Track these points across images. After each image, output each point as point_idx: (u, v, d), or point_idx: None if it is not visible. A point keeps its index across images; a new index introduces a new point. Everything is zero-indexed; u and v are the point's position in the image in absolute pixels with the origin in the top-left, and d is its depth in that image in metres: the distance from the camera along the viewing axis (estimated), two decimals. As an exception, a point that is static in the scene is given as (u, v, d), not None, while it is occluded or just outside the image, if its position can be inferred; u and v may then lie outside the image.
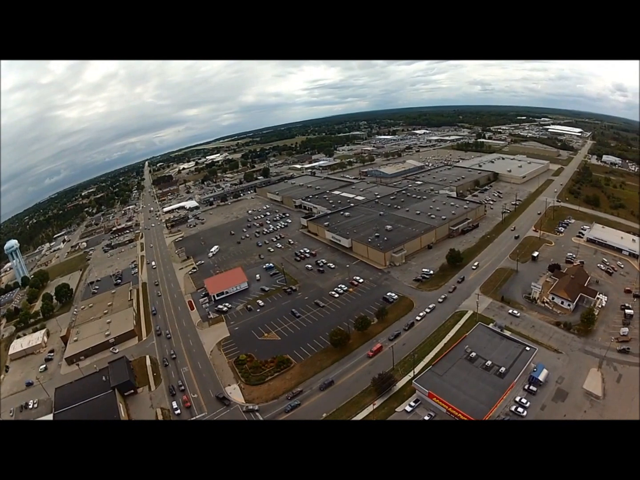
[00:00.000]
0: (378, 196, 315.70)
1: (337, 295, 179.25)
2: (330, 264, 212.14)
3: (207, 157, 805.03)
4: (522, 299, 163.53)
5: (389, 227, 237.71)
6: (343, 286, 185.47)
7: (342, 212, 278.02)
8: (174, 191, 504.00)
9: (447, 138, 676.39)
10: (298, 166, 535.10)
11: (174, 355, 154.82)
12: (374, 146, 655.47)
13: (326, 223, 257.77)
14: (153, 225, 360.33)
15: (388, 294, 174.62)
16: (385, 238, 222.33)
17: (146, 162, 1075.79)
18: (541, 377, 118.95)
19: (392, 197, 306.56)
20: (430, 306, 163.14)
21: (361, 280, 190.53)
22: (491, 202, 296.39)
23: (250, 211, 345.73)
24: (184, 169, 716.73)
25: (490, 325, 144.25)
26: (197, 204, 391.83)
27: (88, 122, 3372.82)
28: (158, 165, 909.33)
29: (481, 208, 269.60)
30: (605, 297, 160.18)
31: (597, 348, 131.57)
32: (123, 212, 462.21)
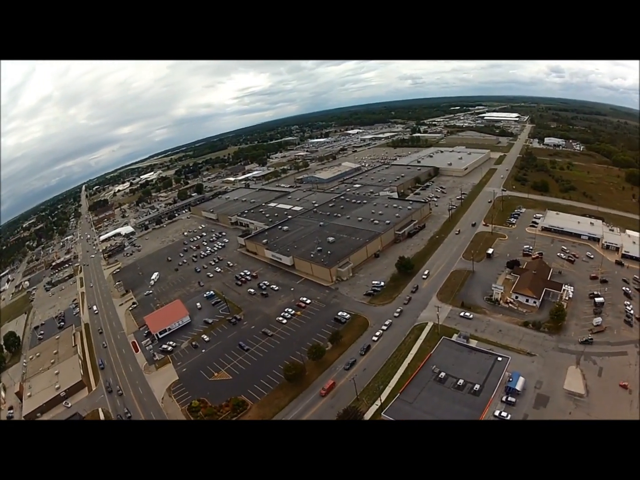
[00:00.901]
0: (316, 205, 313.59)
1: (284, 321, 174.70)
2: (274, 286, 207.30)
3: (141, 177, 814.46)
4: (483, 302, 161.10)
5: (331, 238, 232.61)
6: (290, 310, 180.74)
7: (280, 227, 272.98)
8: (109, 216, 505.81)
9: (381, 136, 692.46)
10: (232, 179, 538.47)
11: (127, 411, 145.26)
12: (307, 151, 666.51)
13: (264, 240, 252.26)
14: (92, 256, 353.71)
15: (339, 313, 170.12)
16: (329, 251, 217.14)
17: (83, 186, 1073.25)
18: (518, 386, 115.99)
19: (330, 205, 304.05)
20: (387, 323, 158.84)
21: (308, 301, 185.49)
22: (435, 199, 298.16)
23: (186, 233, 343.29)
24: (119, 190, 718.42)
25: (455, 337, 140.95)
26: (132, 229, 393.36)
27: (26, 149, 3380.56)
28: (94, 188, 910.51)
29: (426, 207, 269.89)
30: (572, 288, 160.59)
31: (571, 344, 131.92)
32: (62, 243, 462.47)
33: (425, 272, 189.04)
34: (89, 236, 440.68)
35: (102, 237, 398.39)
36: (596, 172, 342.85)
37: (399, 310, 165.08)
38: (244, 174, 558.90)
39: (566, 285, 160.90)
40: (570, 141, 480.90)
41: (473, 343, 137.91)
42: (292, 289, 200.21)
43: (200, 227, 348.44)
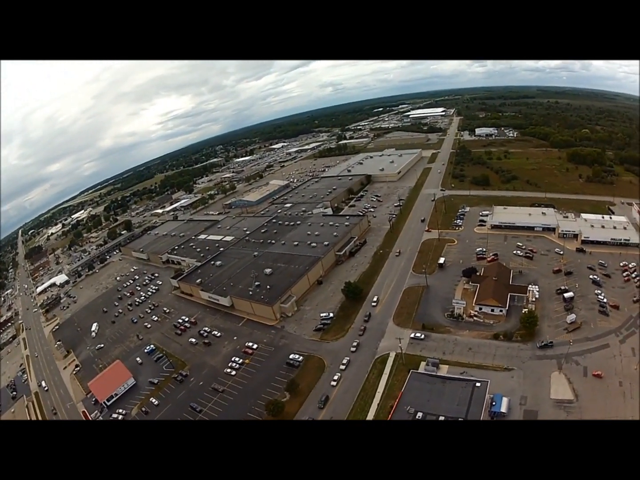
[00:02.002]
0: (247, 232, 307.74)
1: (233, 372, 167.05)
2: (215, 332, 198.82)
3: (72, 216, 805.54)
4: (445, 319, 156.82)
5: (268, 270, 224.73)
6: (237, 359, 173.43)
7: (212, 262, 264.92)
8: (44, 264, 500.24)
9: (307, 147, 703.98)
10: (160, 211, 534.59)
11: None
12: (233, 171, 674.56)
13: (198, 280, 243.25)
14: (35, 310, 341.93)
15: (291, 356, 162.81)
16: (268, 286, 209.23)
17: (20, 231, 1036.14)
18: (503, 408, 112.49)
19: (263, 231, 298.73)
20: (344, 361, 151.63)
21: (255, 346, 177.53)
22: (372, 210, 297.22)
23: (118, 278, 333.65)
24: (52, 234, 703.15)
25: (424, 367, 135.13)
26: (66, 278, 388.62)
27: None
28: (30, 232, 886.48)
29: (364, 220, 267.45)
30: (536, 287, 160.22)
31: (549, 349, 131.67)
32: (3, 299, 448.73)
33: (375, 299, 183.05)
34: (26, 287, 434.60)
35: (38, 289, 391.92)
36: (535, 157, 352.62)
37: (355, 344, 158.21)
38: (171, 204, 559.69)
39: (530, 285, 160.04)
40: (503, 129, 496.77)
41: (444, 369, 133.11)
42: (234, 337, 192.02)
43: (132, 270, 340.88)
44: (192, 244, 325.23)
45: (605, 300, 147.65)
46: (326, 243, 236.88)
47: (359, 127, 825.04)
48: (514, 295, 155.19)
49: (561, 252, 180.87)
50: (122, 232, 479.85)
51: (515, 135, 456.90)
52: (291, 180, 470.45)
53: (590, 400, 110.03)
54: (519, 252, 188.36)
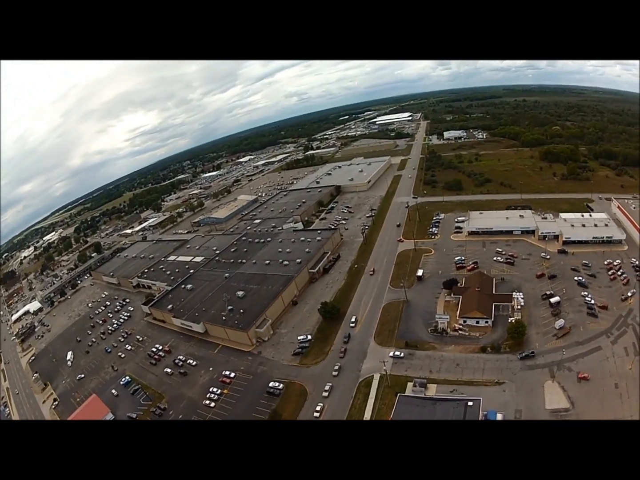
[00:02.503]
0: (217, 251, 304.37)
1: (212, 404, 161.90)
2: (191, 360, 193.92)
3: (43, 238, 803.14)
4: (429, 334, 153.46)
5: (240, 293, 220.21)
6: (215, 389, 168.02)
7: (183, 286, 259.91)
8: (18, 290, 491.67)
9: (274, 159, 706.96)
10: (129, 231, 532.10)
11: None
12: (201, 187, 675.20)
13: (170, 306, 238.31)
14: (13, 339, 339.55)
15: (270, 384, 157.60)
16: (241, 310, 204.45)
17: None
18: None
19: (232, 250, 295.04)
20: (327, 387, 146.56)
21: (233, 375, 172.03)
22: (344, 222, 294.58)
23: (90, 304, 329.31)
24: (24, 257, 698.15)
25: (411, 389, 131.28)
26: (40, 305, 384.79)
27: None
28: (4, 256, 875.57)
29: (336, 234, 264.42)
30: (520, 294, 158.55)
31: (539, 357, 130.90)
32: None
33: (353, 319, 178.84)
34: (2, 314, 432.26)
35: (13, 317, 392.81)
36: (507, 158, 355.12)
37: (336, 367, 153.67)
38: (140, 223, 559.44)
39: (515, 293, 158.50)
40: (471, 130, 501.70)
41: (433, 389, 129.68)
42: (210, 366, 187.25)
43: (104, 295, 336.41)
44: (161, 266, 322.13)
45: (592, 301, 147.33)
46: (299, 260, 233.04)
47: (325, 137, 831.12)
48: (498, 305, 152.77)
49: (547, 257, 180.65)
50: (92, 255, 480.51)
51: (484, 137, 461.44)
52: (259, 194, 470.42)
53: (586, 405, 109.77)
54: (499, 258, 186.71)
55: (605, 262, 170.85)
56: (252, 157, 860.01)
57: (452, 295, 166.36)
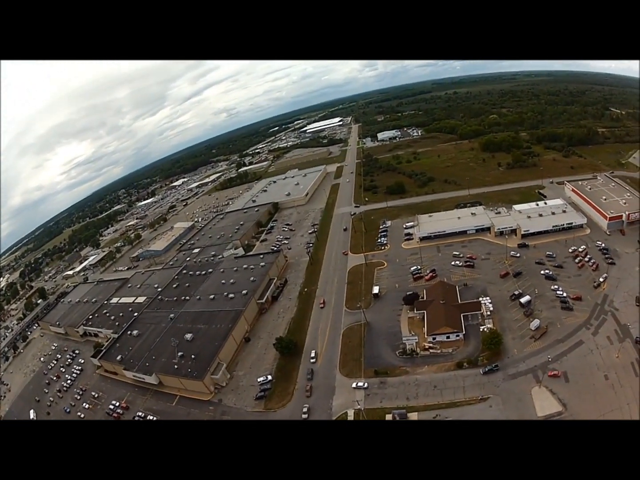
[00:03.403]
0: (159, 289, 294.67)
1: None
2: (151, 416, 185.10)
3: None
4: (397, 358, 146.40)
5: (188, 336, 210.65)
6: None
7: (129, 332, 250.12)
8: None
9: (207, 180, 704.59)
10: (70, 272, 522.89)
11: None
12: (137, 217, 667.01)
13: (119, 357, 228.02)
14: None
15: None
16: (192, 355, 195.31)
17: None
18: None
19: (174, 286, 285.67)
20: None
21: None
22: (286, 242, 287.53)
23: (42, 358, 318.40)
24: None
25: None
26: None
27: None
28: None
29: (280, 257, 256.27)
30: (488, 298, 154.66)
31: (521, 364, 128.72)
32: None
33: (313, 353, 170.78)
34: None
35: None
36: (447, 153, 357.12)
37: (305, 409, 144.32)
38: (80, 262, 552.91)
39: (481, 298, 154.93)
40: (405, 129, 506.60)
41: (414, 417, 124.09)
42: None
43: (54, 347, 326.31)
44: (105, 310, 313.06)
45: (564, 294, 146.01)
46: (244, 291, 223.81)
47: (257, 151, 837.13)
48: (467, 315, 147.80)
49: (518, 255, 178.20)
50: (38, 302, 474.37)
51: (420, 134, 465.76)
52: (196, 219, 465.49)
53: (580, 404, 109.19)
54: (457, 262, 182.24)
55: (570, 250, 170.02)
56: (185, 179, 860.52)
57: (415, 311, 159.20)
